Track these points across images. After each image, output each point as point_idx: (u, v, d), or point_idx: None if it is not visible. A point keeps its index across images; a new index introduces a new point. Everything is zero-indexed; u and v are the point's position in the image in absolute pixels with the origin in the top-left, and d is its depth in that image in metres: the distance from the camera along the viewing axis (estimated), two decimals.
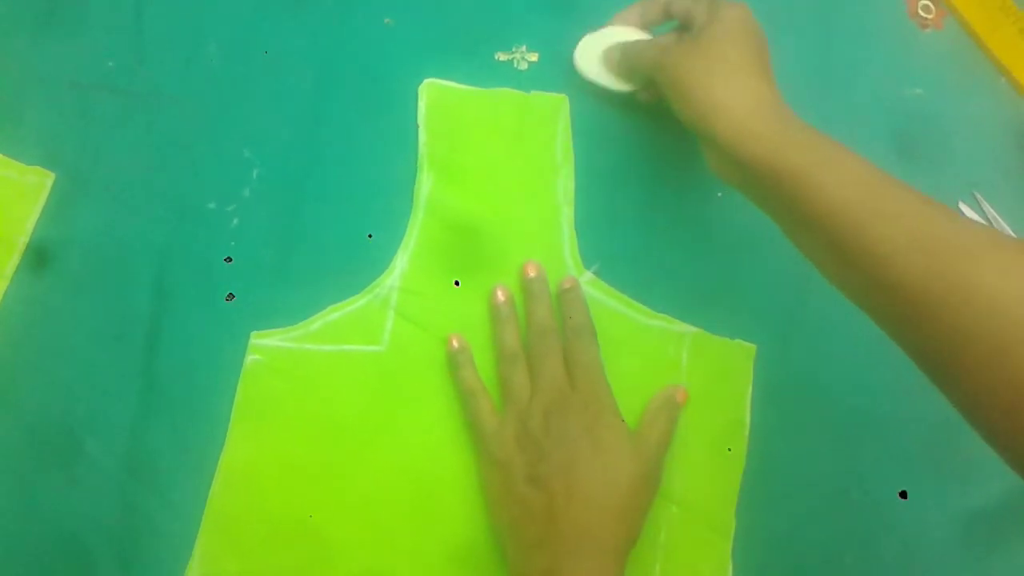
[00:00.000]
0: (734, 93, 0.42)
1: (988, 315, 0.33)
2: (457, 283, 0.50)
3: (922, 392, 0.49)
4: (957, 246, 0.35)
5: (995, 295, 0.33)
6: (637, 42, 0.51)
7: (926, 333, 0.35)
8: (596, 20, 0.55)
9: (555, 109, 0.54)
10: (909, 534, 0.48)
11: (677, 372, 0.50)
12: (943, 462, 0.49)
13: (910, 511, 0.48)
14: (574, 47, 0.54)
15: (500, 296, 0.49)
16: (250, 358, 0.49)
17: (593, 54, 0.53)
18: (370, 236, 0.52)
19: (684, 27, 0.49)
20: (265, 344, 0.49)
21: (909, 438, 0.50)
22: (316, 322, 0.50)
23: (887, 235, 0.36)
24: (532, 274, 0.50)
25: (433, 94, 0.54)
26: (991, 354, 0.33)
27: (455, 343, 0.49)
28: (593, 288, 0.51)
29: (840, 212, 0.37)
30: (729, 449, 0.49)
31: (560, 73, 0.55)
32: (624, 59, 0.51)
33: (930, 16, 0.59)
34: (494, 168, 0.53)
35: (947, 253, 0.35)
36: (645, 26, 0.53)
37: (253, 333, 0.49)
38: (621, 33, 0.53)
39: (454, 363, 0.49)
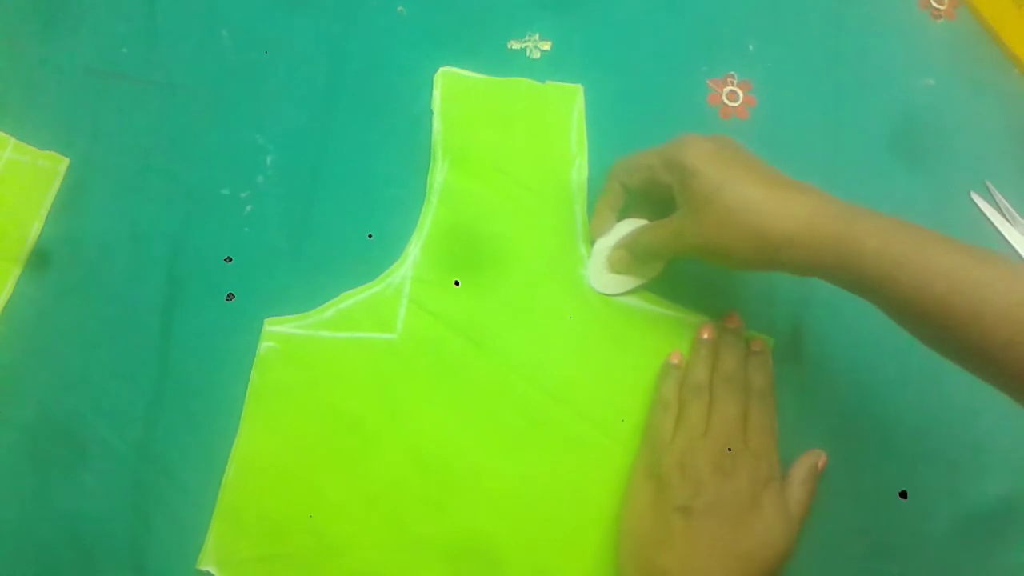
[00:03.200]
0: (780, 208, 0.42)
1: None
2: (457, 283, 0.50)
3: (922, 392, 0.50)
4: None
5: None
6: (637, 231, 0.50)
7: None
8: (606, 8, 0.55)
9: (570, 99, 0.54)
10: (909, 534, 0.48)
11: None
12: (943, 462, 0.49)
13: (910, 511, 0.48)
14: (585, 38, 0.54)
15: (706, 334, 0.50)
16: (264, 345, 0.49)
17: (603, 272, 0.51)
18: (370, 236, 0.52)
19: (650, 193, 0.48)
20: (279, 331, 0.49)
21: (909, 438, 0.50)
22: (330, 309, 0.50)
23: (998, 304, 0.37)
24: (733, 326, 0.50)
25: (448, 82, 0.54)
26: None
27: (675, 359, 0.49)
28: None
29: (944, 293, 0.38)
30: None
31: (572, 62, 0.55)
32: (638, 250, 0.49)
33: (942, 7, 0.59)
34: (509, 157, 0.53)
35: None
36: (616, 212, 0.51)
37: (267, 320, 0.49)
38: (612, 236, 0.51)
39: (663, 372, 0.49)
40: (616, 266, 0.50)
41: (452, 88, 0.54)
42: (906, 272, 0.39)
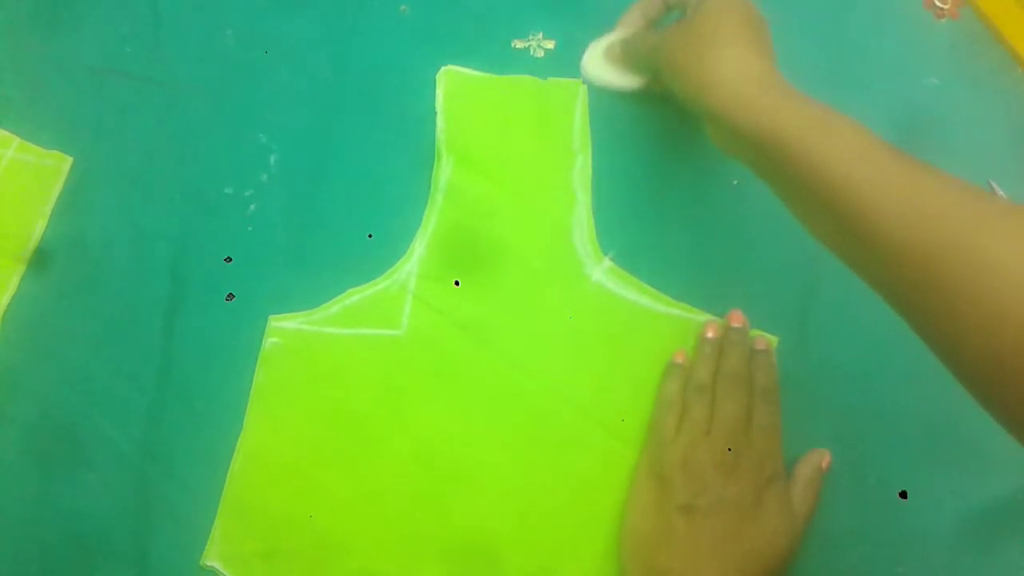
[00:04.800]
0: (727, 65, 0.42)
1: (991, 278, 0.32)
2: (457, 283, 0.50)
3: (923, 391, 0.50)
4: (961, 213, 0.34)
5: (999, 258, 0.32)
6: (635, 33, 0.52)
7: (929, 300, 0.35)
8: (611, 7, 0.55)
9: (572, 95, 0.54)
10: (910, 534, 0.48)
11: None
12: (944, 462, 0.49)
13: (910, 511, 0.48)
14: (589, 36, 0.54)
15: (710, 333, 0.49)
16: (269, 341, 0.49)
17: (598, 57, 0.53)
18: (370, 236, 0.52)
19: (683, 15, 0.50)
20: (284, 327, 0.49)
21: (909, 437, 0.50)
22: (335, 306, 0.50)
23: (888, 205, 0.36)
24: (737, 324, 0.50)
25: (451, 81, 0.54)
26: (993, 318, 0.32)
27: (679, 358, 0.49)
28: (609, 276, 0.51)
29: (841, 182, 0.37)
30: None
31: (576, 61, 0.55)
32: (625, 52, 0.52)
33: (946, 6, 0.59)
34: (512, 154, 0.53)
35: (951, 220, 0.34)
36: (648, 23, 0.53)
37: (272, 316, 0.49)
38: (624, 34, 0.53)
39: (667, 371, 0.49)
40: (609, 58, 0.53)
41: (455, 86, 0.54)
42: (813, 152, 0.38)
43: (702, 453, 0.44)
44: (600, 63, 0.53)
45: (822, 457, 0.47)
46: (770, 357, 0.49)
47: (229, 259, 0.51)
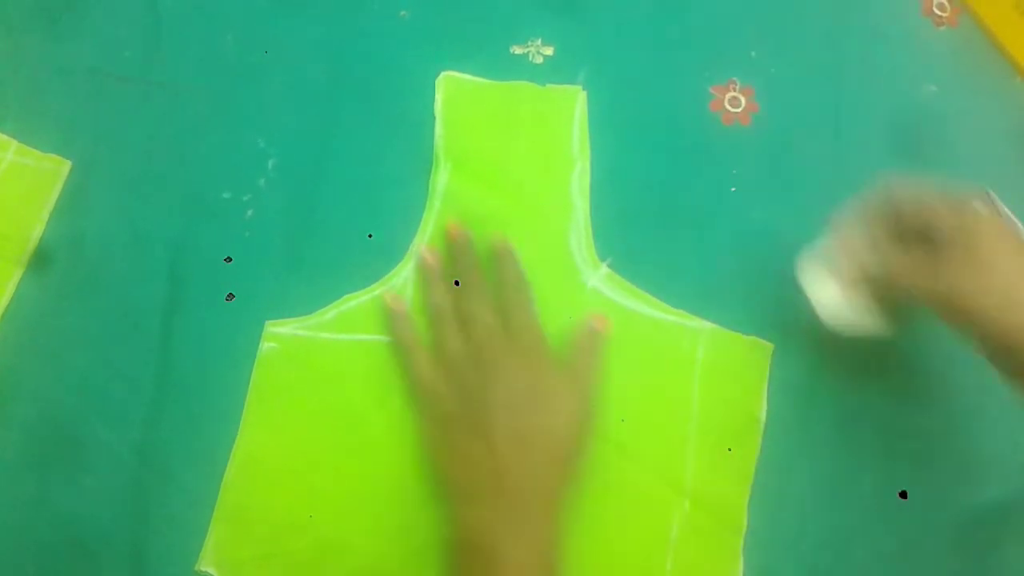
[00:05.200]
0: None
1: None
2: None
3: (923, 392, 0.50)
4: None
5: None
6: (887, 263, 0.46)
7: None
8: (609, 13, 0.55)
9: (571, 102, 0.55)
10: (909, 535, 0.48)
11: (692, 368, 0.50)
12: (943, 462, 0.49)
13: (910, 511, 0.48)
14: (587, 43, 0.54)
15: (429, 258, 0.50)
16: (265, 346, 0.49)
17: (824, 279, 0.47)
18: (370, 236, 0.52)
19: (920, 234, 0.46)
20: (280, 332, 0.49)
21: (910, 438, 0.50)
22: (331, 311, 0.50)
23: None
24: (458, 238, 0.50)
25: (450, 87, 0.54)
26: None
27: (390, 300, 0.49)
28: (607, 283, 0.51)
29: None
30: (731, 449, 0.49)
31: (574, 67, 0.55)
32: (879, 286, 0.47)
33: (945, 14, 0.59)
34: (511, 161, 0.53)
35: None
36: (872, 241, 0.47)
37: (268, 321, 0.49)
38: (845, 252, 0.47)
39: (389, 320, 0.49)
40: (834, 269, 0.47)
41: (454, 92, 0.54)
42: None
43: (468, 374, 0.46)
44: (830, 290, 0.47)
45: (595, 320, 0.49)
46: (509, 252, 0.50)
47: (229, 259, 0.51)
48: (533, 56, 0.56)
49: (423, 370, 0.48)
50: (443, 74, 0.54)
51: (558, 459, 0.44)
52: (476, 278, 0.49)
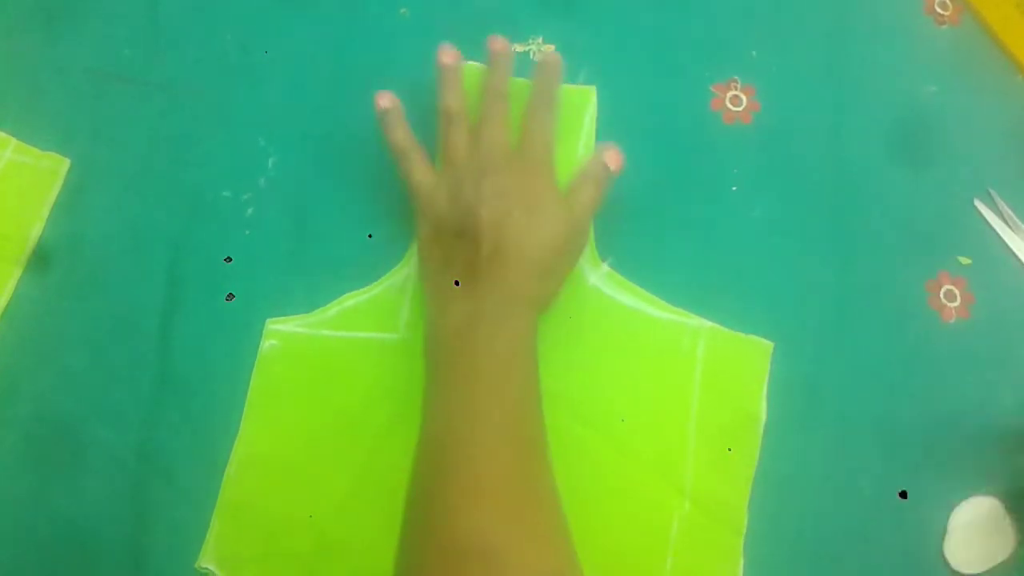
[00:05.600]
0: None
1: None
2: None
3: (923, 392, 0.50)
4: None
5: None
6: None
7: None
8: (610, 12, 0.54)
9: (583, 101, 0.54)
10: (909, 535, 0.48)
11: (692, 366, 0.50)
12: (944, 463, 0.49)
13: (910, 511, 0.48)
14: (588, 41, 0.54)
15: (447, 58, 0.48)
16: (266, 343, 0.49)
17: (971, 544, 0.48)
18: (370, 236, 0.52)
19: None
20: (281, 330, 0.49)
21: (909, 438, 0.50)
22: (332, 309, 0.50)
23: None
24: (498, 47, 0.50)
25: None
26: None
27: (383, 102, 0.48)
28: (608, 282, 0.51)
29: None
30: (731, 449, 0.49)
31: (575, 65, 0.55)
32: None
33: (947, 13, 0.59)
34: None
35: None
36: None
37: (269, 319, 0.49)
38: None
39: (384, 124, 0.49)
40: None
41: None
42: None
43: (466, 180, 0.46)
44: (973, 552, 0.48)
45: (610, 152, 0.49)
46: (555, 67, 0.50)
47: (229, 259, 0.51)
48: (534, 54, 0.56)
49: (420, 174, 0.48)
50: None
51: (539, 270, 0.45)
52: (503, 89, 0.49)
